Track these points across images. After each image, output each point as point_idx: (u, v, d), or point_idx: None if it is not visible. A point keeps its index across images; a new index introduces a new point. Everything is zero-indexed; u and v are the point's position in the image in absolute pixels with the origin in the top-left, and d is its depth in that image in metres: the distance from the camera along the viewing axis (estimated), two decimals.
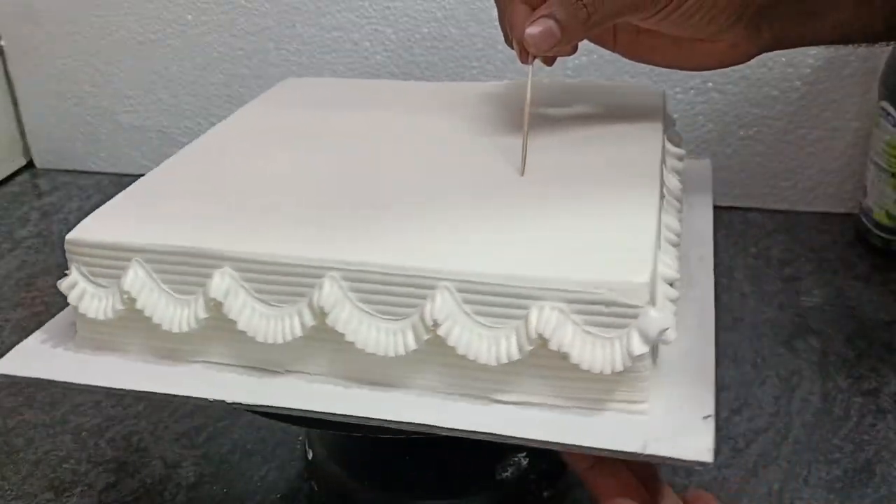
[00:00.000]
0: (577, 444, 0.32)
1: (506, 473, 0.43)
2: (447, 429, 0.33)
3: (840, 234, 0.70)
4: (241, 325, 0.35)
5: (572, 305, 0.32)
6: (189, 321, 0.36)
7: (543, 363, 0.33)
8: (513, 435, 0.32)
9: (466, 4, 0.73)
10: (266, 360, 0.36)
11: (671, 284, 0.35)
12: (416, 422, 0.33)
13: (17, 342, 0.39)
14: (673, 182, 0.43)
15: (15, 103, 0.87)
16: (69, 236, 0.38)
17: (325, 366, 0.36)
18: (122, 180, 0.87)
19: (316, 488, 0.47)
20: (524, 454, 0.44)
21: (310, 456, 0.47)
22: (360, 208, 0.38)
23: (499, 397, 0.34)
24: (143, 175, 0.43)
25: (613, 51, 0.46)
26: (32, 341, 0.40)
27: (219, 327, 0.36)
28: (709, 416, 0.32)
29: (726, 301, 0.61)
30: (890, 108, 0.63)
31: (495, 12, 0.43)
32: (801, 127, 0.71)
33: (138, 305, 0.36)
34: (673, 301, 0.34)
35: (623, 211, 0.37)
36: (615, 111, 0.48)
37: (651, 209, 0.37)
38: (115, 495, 0.48)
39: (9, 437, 0.52)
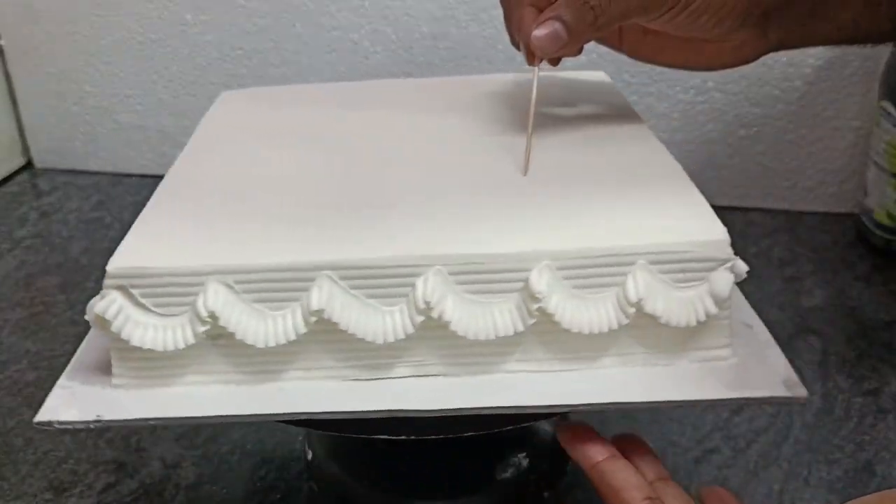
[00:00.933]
0: (704, 398, 0.35)
1: (506, 473, 0.43)
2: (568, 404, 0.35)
3: (841, 235, 0.70)
4: (349, 330, 0.35)
5: (662, 266, 0.35)
6: (287, 334, 0.35)
7: (639, 324, 0.35)
8: (620, 401, 0.34)
9: (466, 4, 0.73)
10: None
11: None
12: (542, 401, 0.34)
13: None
14: None
15: (14, 103, 0.87)
16: (117, 265, 0.35)
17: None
18: (122, 180, 0.89)
19: (316, 488, 0.47)
20: (524, 454, 0.44)
21: (309, 456, 0.47)
22: (362, 209, 0.38)
23: (596, 365, 0.36)
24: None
25: (619, 51, 0.46)
26: (68, 383, 0.36)
27: (315, 340, 0.35)
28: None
29: None
30: (890, 108, 0.63)
31: (495, 12, 0.43)
32: (802, 126, 0.71)
33: (222, 323, 0.34)
34: None
35: (663, 189, 0.39)
36: (588, 106, 0.49)
37: (687, 182, 0.39)
38: (115, 495, 0.48)
39: (8, 437, 0.52)
